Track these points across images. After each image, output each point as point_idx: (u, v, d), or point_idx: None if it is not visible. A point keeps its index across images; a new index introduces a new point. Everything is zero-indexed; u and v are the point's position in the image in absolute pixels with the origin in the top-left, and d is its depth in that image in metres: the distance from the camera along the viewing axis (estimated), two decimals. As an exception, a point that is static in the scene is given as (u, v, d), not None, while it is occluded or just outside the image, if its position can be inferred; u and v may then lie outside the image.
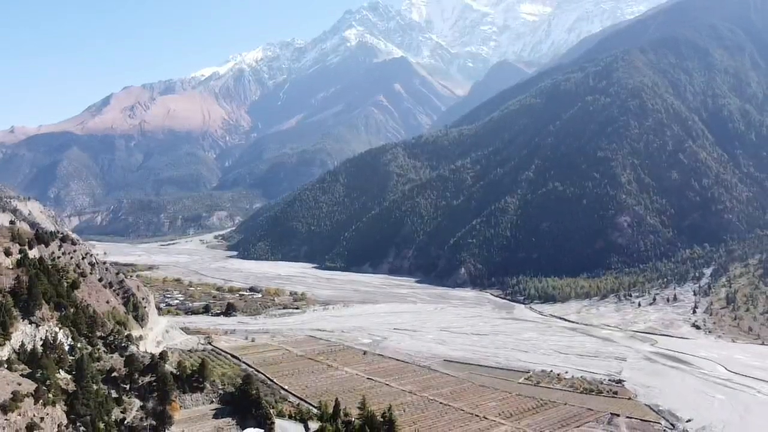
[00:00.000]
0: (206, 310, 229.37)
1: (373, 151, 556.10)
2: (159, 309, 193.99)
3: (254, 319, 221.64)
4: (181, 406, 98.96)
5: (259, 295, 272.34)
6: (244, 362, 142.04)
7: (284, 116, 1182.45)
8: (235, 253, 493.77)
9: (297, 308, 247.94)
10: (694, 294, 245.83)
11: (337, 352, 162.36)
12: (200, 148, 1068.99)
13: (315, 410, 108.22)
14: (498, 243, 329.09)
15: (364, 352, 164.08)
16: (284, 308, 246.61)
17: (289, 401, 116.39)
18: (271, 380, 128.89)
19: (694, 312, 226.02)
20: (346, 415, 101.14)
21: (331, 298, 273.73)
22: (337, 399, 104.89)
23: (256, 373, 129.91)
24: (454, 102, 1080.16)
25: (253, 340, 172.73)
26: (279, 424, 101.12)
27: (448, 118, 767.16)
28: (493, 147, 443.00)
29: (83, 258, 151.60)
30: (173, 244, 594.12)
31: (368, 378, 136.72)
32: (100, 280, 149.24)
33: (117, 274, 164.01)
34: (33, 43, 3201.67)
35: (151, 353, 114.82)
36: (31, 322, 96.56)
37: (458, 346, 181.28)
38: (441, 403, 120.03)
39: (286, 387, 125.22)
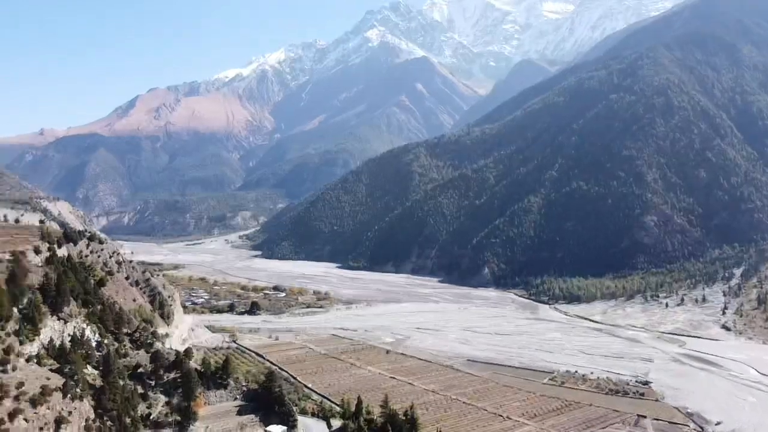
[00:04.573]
0: (231, 308, 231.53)
1: (396, 150, 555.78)
2: (184, 307, 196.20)
3: (278, 317, 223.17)
4: (205, 402, 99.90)
5: (283, 294, 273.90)
6: (267, 360, 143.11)
7: (307, 117, 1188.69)
8: (259, 252, 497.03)
9: (320, 307, 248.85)
10: (724, 295, 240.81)
11: (361, 351, 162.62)
12: (224, 149, 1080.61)
13: (337, 408, 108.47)
14: (522, 243, 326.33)
15: (387, 351, 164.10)
16: (308, 307, 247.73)
17: (312, 399, 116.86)
18: (295, 378, 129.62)
19: (724, 313, 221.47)
20: (368, 413, 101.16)
21: (354, 298, 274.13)
22: (359, 397, 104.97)
23: (279, 371, 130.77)
24: (476, 101, 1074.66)
25: (276, 339, 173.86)
26: (302, 421, 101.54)
27: (470, 118, 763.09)
28: (516, 146, 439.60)
29: (110, 257, 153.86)
30: (198, 243, 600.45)
31: (391, 377, 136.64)
32: (127, 278, 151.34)
33: (143, 272, 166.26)
34: (61, 46, 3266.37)
35: (176, 350, 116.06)
36: (59, 319, 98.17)
37: (481, 345, 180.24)
38: (464, 402, 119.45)
39: (309, 385, 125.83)
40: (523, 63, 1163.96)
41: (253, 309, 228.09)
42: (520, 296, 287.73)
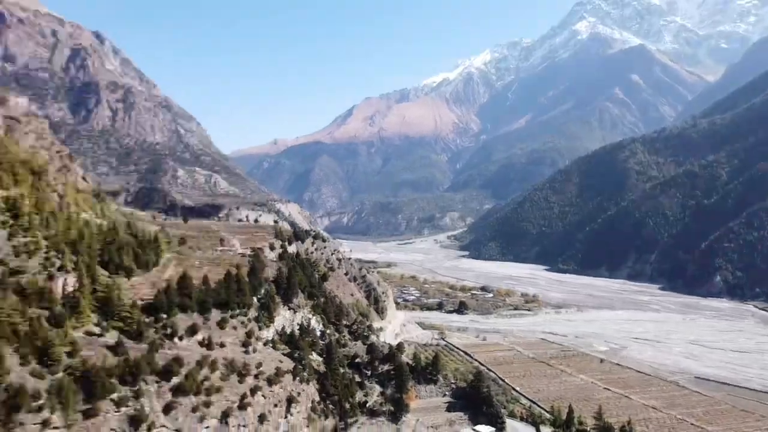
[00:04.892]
0: (440, 307, 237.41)
1: (608, 147, 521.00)
2: (397, 304, 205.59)
3: (485, 318, 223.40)
4: (416, 396, 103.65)
5: (491, 295, 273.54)
6: (475, 359, 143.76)
7: (512, 117, 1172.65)
8: (466, 252, 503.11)
9: (528, 310, 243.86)
10: None
11: (571, 358, 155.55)
12: (433, 152, 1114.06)
13: (547, 415, 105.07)
14: (764, 248, 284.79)
15: (601, 360, 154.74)
16: (515, 309, 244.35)
17: (521, 403, 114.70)
18: (502, 380, 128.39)
19: None
20: (580, 423, 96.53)
21: (563, 302, 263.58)
22: (570, 406, 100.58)
23: (487, 371, 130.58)
24: (703, 89, 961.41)
25: (484, 339, 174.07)
26: (510, 424, 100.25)
27: (696, 108, 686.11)
28: (755, 138, 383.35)
29: (332, 254, 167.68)
30: (409, 243, 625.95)
31: (605, 387, 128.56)
32: (346, 274, 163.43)
33: (360, 269, 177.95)
34: (289, 64, 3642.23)
35: (389, 344, 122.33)
36: (289, 308, 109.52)
37: (713, 362, 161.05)
38: (692, 424, 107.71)
39: (517, 388, 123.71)
40: (762, 42, 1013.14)
41: (461, 308, 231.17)
42: (761, 309, 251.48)
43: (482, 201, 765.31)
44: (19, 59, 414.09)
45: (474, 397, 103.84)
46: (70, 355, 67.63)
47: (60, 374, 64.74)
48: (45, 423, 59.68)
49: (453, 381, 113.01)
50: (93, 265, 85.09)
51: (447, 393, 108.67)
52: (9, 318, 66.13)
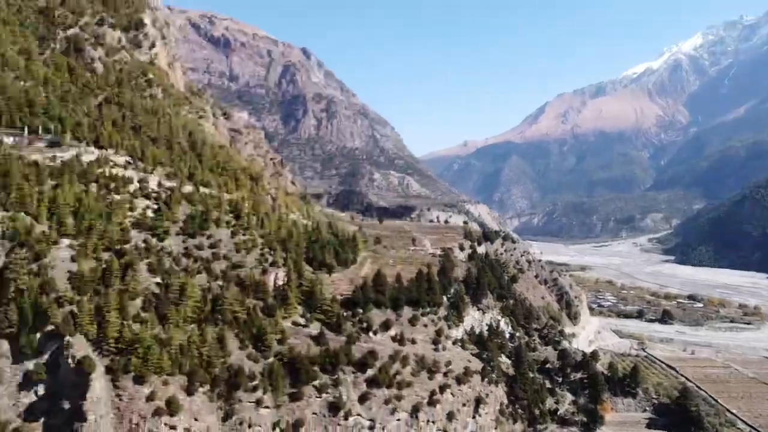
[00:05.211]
0: (639, 315, 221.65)
1: None
2: (591, 309, 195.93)
3: (694, 330, 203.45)
4: (612, 408, 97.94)
5: (700, 305, 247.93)
6: (681, 375, 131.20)
7: (729, 105, 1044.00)
8: (671, 257, 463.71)
9: (748, 323, 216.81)
10: None
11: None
12: (633, 148, 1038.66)
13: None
14: None
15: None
16: (731, 322, 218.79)
17: (737, 428, 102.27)
18: (715, 400, 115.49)
19: None
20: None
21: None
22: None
23: (696, 389, 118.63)
24: None
25: (692, 353, 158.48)
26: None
27: None
28: None
29: (521, 255, 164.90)
30: (605, 246, 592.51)
31: None
32: (536, 276, 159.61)
33: (551, 272, 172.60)
34: (479, 65, 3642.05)
35: (582, 351, 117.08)
36: (478, 309, 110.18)
37: None
38: None
39: (733, 410, 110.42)
40: None
41: (664, 317, 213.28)
42: None
43: (691, 200, 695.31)
44: (240, 78, 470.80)
45: (680, 416, 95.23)
46: (279, 342, 75.67)
47: (271, 359, 72.74)
48: (258, 402, 67.59)
49: (655, 396, 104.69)
50: (300, 261, 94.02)
51: (647, 408, 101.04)
52: (231, 307, 75.99)
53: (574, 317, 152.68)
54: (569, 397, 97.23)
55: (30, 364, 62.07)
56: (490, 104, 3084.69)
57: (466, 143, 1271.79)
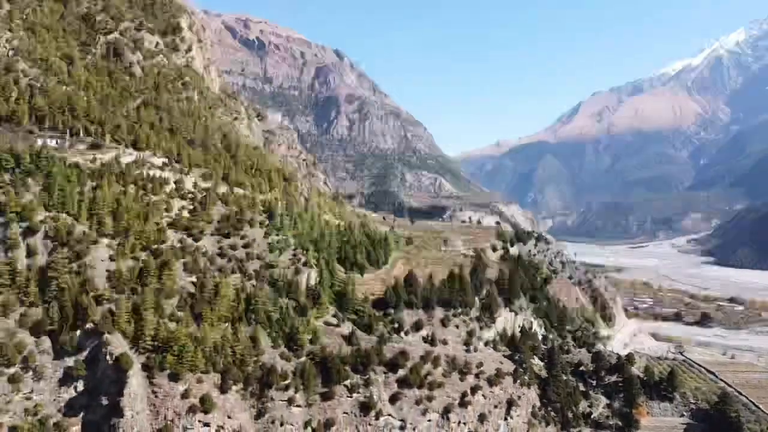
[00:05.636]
0: (677, 317, 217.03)
1: None
2: (626, 311, 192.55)
3: (735, 333, 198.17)
4: (648, 413, 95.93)
5: (741, 308, 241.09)
6: (721, 379, 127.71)
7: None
8: (710, 258, 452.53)
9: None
10: None
11: None
12: (671, 147, 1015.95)
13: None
14: None
15: None
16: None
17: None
18: (756, 406, 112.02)
19: None
20: None
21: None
22: None
23: (736, 394, 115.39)
24: None
25: (732, 357, 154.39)
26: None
27: None
28: None
29: (555, 256, 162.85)
30: (642, 247, 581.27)
31: None
32: (570, 278, 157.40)
33: (585, 273, 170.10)
34: (512, 64, 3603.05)
35: (617, 354, 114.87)
36: (511, 310, 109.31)
37: None
38: None
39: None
40: None
41: (703, 320, 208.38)
42: None
43: (732, 200, 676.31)
44: (275, 80, 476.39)
45: (719, 422, 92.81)
46: (311, 341, 76.42)
47: (303, 358, 73.50)
48: (290, 400, 68.38)
49: (693, 401, 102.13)
50: (332, 261, 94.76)
51: (685, 413, 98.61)
52: (264, 306, 77.02)
53: (609, 319, 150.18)
54: (603, 400, 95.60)
55: (70, 361, 64.00)
56: (524, 103, 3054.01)
57: (499, 143, 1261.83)
